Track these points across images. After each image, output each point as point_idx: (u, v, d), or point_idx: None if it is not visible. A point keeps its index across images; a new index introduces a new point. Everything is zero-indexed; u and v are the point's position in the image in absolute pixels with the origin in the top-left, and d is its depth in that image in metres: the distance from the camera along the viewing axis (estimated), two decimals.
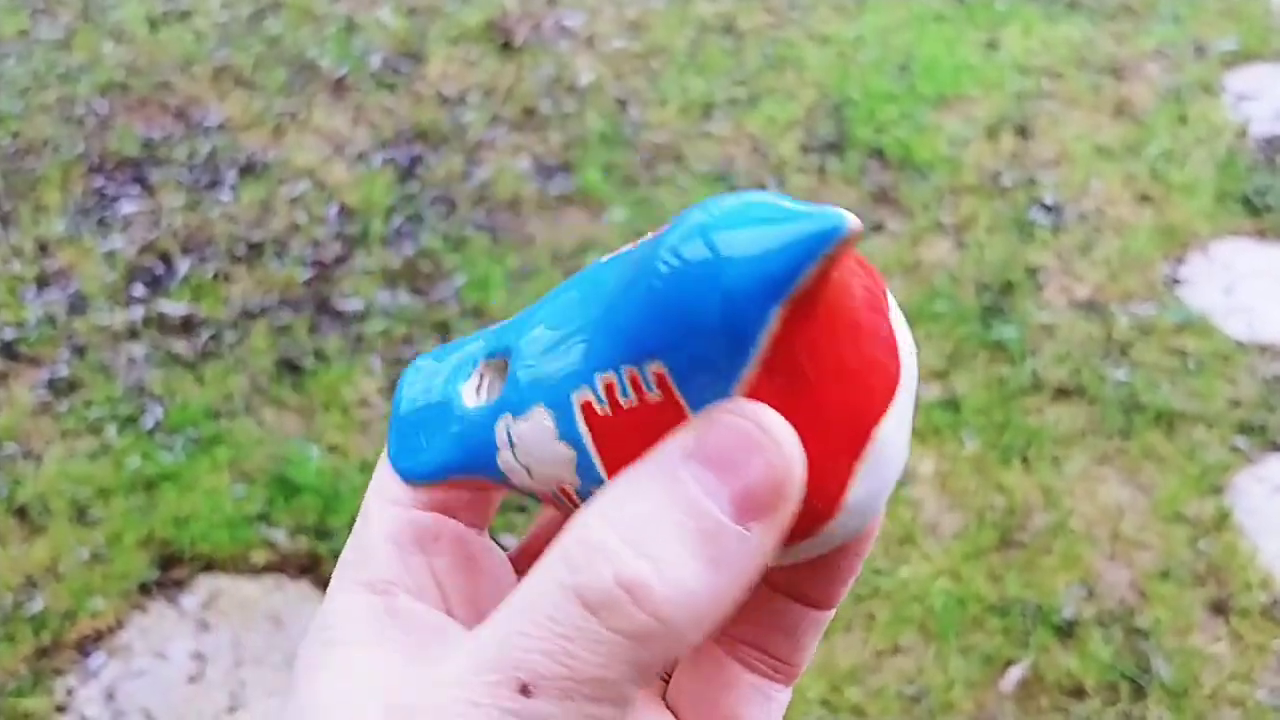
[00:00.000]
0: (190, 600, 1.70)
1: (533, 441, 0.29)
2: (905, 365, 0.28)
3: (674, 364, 0.26)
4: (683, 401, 0.26)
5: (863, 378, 0.27)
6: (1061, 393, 1.98)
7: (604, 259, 0.30)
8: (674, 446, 0.26)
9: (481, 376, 0.31)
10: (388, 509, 0.32)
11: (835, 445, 0.27)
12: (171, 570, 1.74)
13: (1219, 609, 1.67)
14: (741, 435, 0.25)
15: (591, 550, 0.25)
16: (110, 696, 1.58)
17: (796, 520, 0.26)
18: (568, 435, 0.28)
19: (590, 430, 0.28)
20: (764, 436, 0.25)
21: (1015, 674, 1.59)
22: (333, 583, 0.31)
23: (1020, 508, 1.80)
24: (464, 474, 0.31)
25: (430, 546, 0.31)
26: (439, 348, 0.33)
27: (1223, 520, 1.77)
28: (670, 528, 0.25)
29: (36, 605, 1.67)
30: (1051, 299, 2.17)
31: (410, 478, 0.32)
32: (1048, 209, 2.38)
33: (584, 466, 0.28)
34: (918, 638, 1.64)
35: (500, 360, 0.31)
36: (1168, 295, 2.18)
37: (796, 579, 0.32)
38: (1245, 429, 1.91)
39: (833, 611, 0.34)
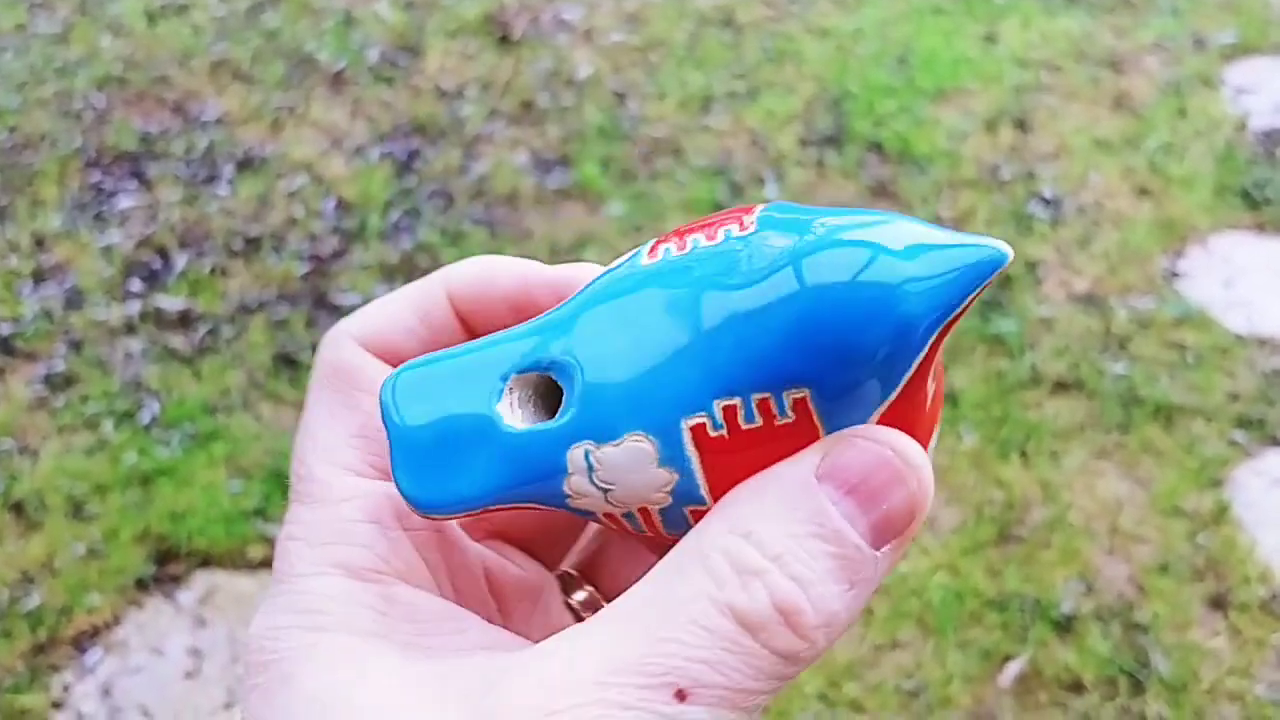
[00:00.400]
0: (187, 596, 1.70)
1: (624, 467, 0.27)
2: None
3: (821, 391, 0.26)
4: (819, 425, 0.26)
5: (939, 401, 0.28)
6: (1060, 386, 1.98)
7: (646, 263, 0.28)
8: (806, 467, 0.26)
9: (511, 391, 0.29)
10: (352, 481, 0.30)
11: None
12: (168, 566, 1.74)
13: (1218, 603, 1.67)
14: (884, 464, 0.26)
15: (742, 569, 0.25)
16: (107, 692, 1.58)
17: None
18: (672, 460, 0.27)
19: (699, 453, 0.27)
20: (905, 467, 0.26)
21: (1014, 668, 1.59)
22: (294, 558, 0.29)
23: (1019, 502, 1.79)
24: (511, 502, 0.29)
25: (407, 521, 0.30)
26: (424, 356, 0.30)
27: (1221, 514, 1.77)
28: (815, 552, 0.26)
29: (33, 601, 1.67)
30: (1050, 292, 2.16)
31: (437, 509, 0.29)
32: (1046, 202, 2.38)
33: (684, 489, 0.27)
34: (916, 632, 1.63)
35: (535, 375, 0.29)
36: (1166, 289, 2.17)
37: None
38: (1244, 423, 1.91)
39: None
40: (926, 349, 0.25)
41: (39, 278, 2.22)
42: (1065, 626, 1.64)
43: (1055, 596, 1.66)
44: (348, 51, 2.86)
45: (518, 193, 2.43)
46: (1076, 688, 1.57)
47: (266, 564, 1.74)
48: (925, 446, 0.27)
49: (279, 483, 1.82)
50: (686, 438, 0.26)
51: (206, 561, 1.74)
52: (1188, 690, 1.56)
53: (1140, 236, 2.28)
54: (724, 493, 0.27)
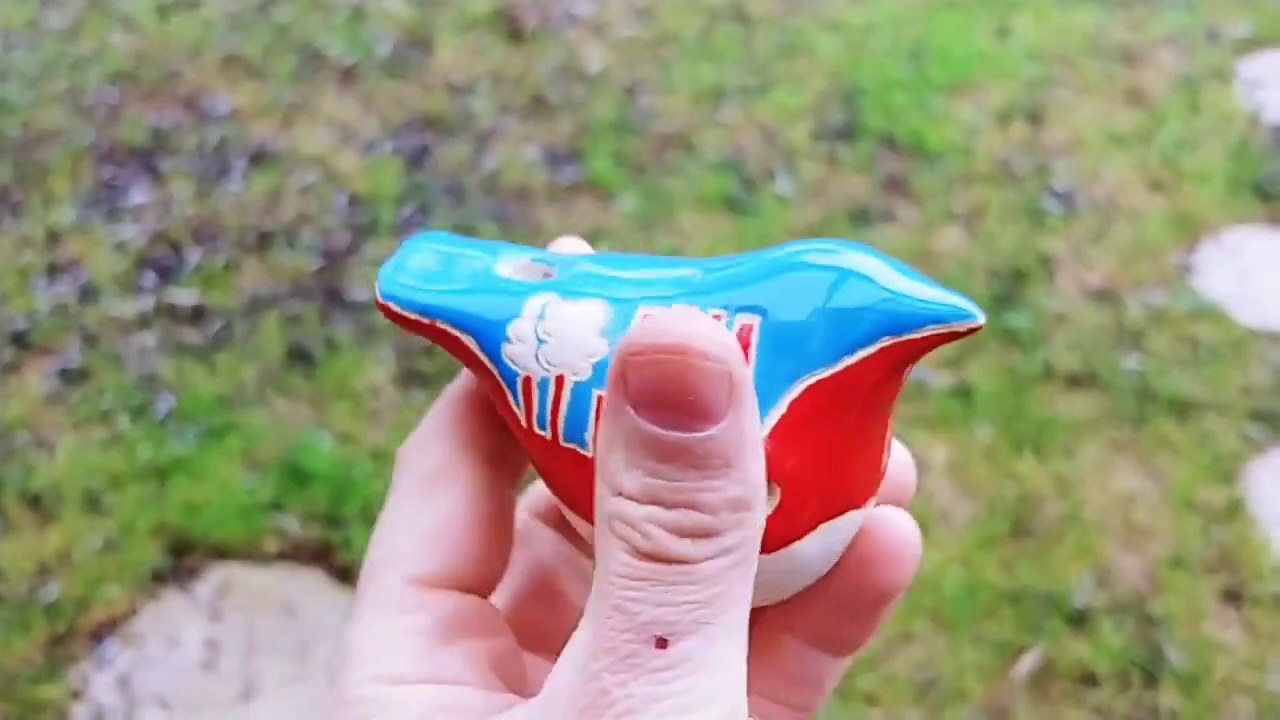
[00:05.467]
0: (203, 588, 1.71)
1: (571, 321, 0.29)
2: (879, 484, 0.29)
3: (768, 323, 0.26)
4: (752, 360, 0.26)
5: (869, 461, 0.28)
6: (1074, 381, 1.98)
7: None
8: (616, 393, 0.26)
9: (517, 270, 0.31)
10: (413, 593, 0.31)
11: (823, 494, 0.27)
12: (184, 558, 1.74)
13: (1232, 597, 1.67)
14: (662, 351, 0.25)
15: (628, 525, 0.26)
16: (124, 684, 1.59)
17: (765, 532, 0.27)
18: (612, 335, 0.28)
19: None
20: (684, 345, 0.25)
21: (1027, 662, 1.59)
22: (348, 664, 0.30)
23: (1032, 496, 1.79)
24: (450, 324, 0.30)
25: (461, 632, 0.31)
26: (449, 233, 0.33)
27: (1235, 508, 1.77)
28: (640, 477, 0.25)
29: (50, 594, 1.68)
30: (1063, 287, 2.16)
31: (394, 300, 0.31)
32: (1059, 196, 2.38)
33: (605, 366, 0.28)
34: (929, 626, 1.64)
35: (542, 267, 0.31)
36: (1180, 283, 2.17)
37: (830, 623, 0.32)
38: (1258, 417, 1.91)
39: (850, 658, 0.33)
40: (871, 351, 0.26)
41: (52, 272, 2.22)
42: (1079, 620, 1.64)
43: (1069, 590, 1.67)
44: (358, 46, 2.87)
45: (529, 187, 2.43)
46: (1090, 681, 1.57)
47: (282, 556, 1.74)
48: (836, 479, 0.27)
49: (293, 476, 1.83)
50: (636, 318, 0.28)
51: (222, 554, 1.74)
52: (1201, 683, 1.56)
53: (1154, 231, 2.28)
54: None
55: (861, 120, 2.59)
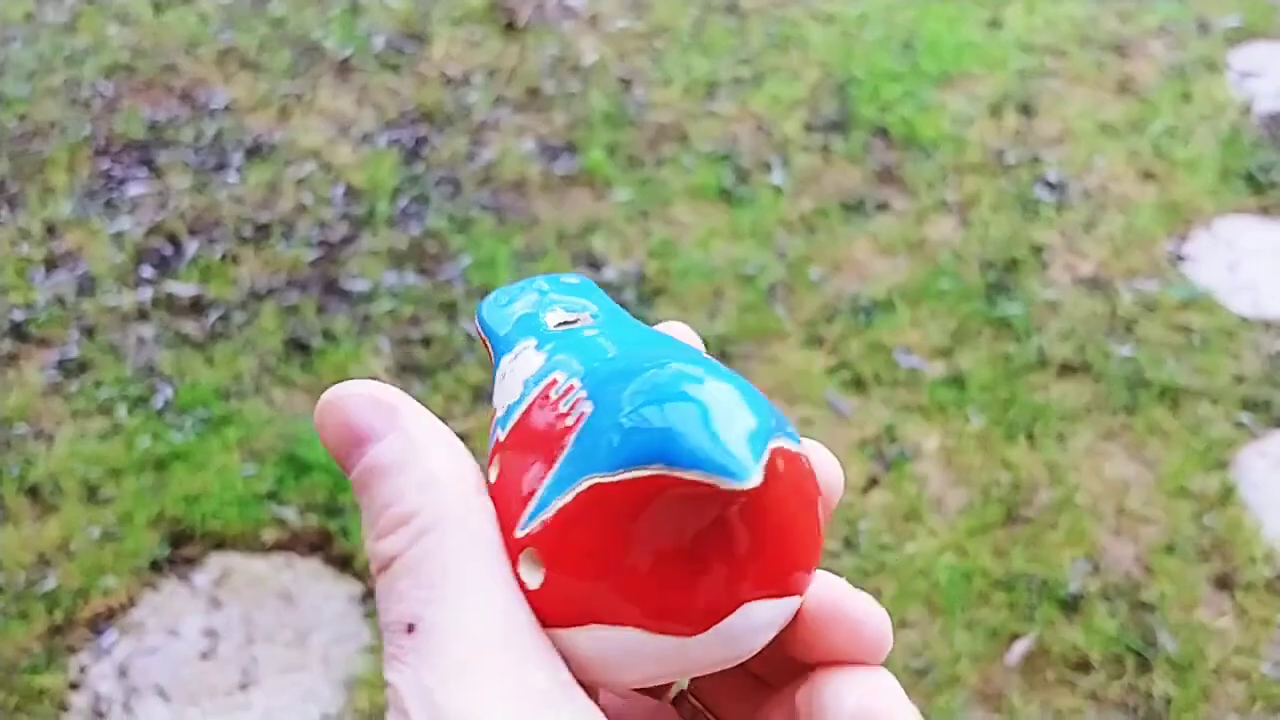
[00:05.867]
0: (202, 578, 1.71)
1: (519, 368, 0.32)
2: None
3: (590, 419, 0.28)
4: (568, 444, 0.28)
5: (671, 586, 0.28)
6: (1066, 369, 1.99)
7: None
8: None
9: (552, 317, 0.35)
10: None
11: (595, 595, 0.28)
12: (183, 548, 1.75)
13: (1224, 583, 1.68)
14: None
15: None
16: (123, 673, 1.60)
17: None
18: (531, 384, 0.31)
19: (527, 406, 0.30)
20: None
21: (1021, 647, 1.60)
22: None
23: (1026, 483, 1.80)
24: (489, 341, 0.35)
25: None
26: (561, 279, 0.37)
27: (1227, 495, 1.78)
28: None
29: (49, 583, 1.69)
30: (1056, 276, 2.17)
31: (479, 315, 0.36)
32: (1052, 186, 2.39)
33: (507, 416, 0.31)
34: (924, 612, 1.65)
35: (574, 314, 0.35)
36: (1172, 272, 2.18)
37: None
38: (1250, 405, 1.92)
39: None
40: (645, 471, 0.26)
41: (51, 265, 2.23)
42: (1072, 606, 1.65)
43: (1062, 576, 1.68)
44: (354, 39, 2.87)
45: (525, 179, 2.44)
46: (1084, 666, 1.59)
47: (280, 546, 1.75)
48: (667, 620, 0.28)
49: (291, 466, 1.83)
50: (540, 389, 0.30)
51: (221, 544, 1.75)
52: (1194, 669, 1.57)
53: (1145, 220, 2.29)
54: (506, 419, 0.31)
55: (854, 111, 2.60)
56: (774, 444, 0.26)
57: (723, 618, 0.28)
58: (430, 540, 0.28)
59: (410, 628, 0.27)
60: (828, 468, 0.32)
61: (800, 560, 0.29)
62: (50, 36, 2.88)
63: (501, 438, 0.30)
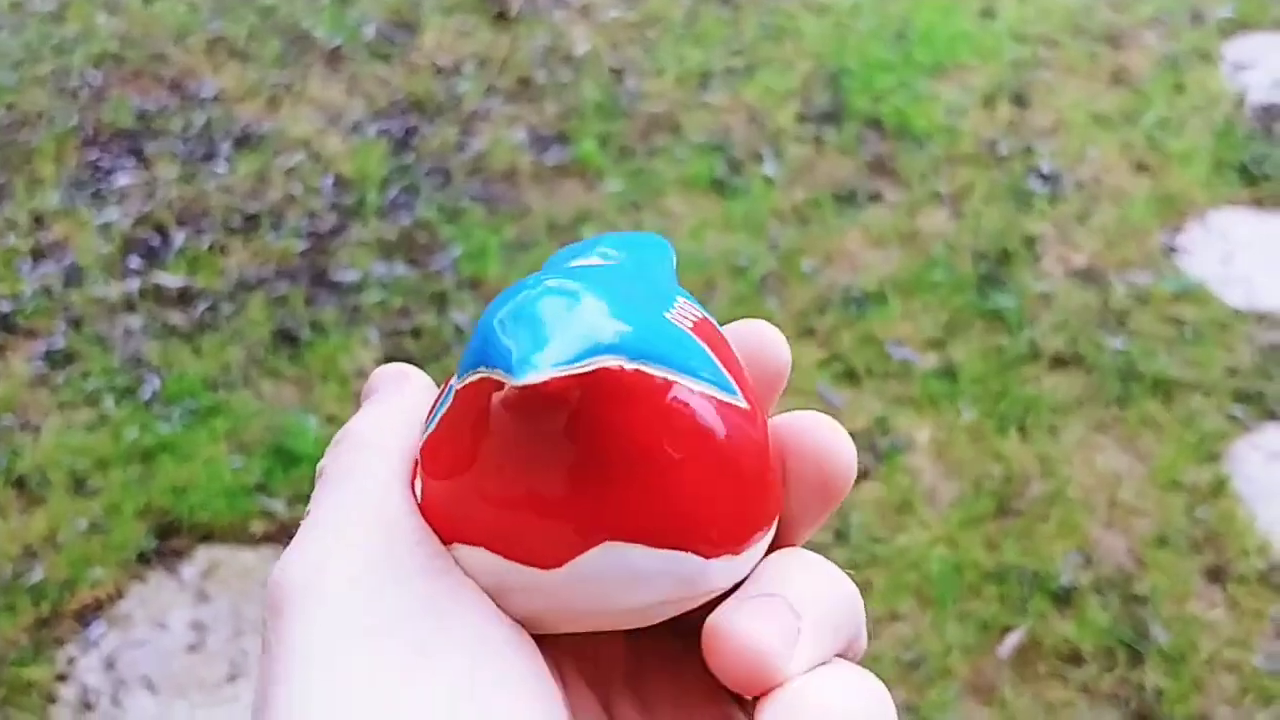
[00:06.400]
0: (189, 570, 1.71)
1: None
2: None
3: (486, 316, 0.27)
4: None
5: (528, 510, 0.26)
6: (1059, 361, 1.99)
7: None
8: None
9: None
10: None
11: (460, 511, 0.27)
12: (170, 540, 1.74)
13: (1216, 576, 1.68)
14: None
15: None
16: (110, 666, 1.59)
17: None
18: None
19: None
20: None
21: (1013, 640, 1.60)
22: None
23: (1018, 475, 1.80)
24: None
25: None
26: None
27: (1220, 488, 1.78)
28: None
29: (36, 575, 1.68)
30: (1049, 268, 2.17)
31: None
32: (1045, 178, 2.38)
33: None
34: (915, 604, 1.64)
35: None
36: (1165, 264, 2.18)
37: None
38: (1242, 397, 1.92)
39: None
40: (472, 376, 0.26)
41: (38, 255, 2.22)
42: (1064, 598, 1.65)
43: (1054, 569, 1.67)
44: (344, 28, 2.86)
45: (516, 169, 2.43)
46: (1075, 659, 1.58)
47: (268, 538, 1.74)
48: (523, 548, 0.27)
49: (280, 457, 1.83)
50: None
51: (208, 536, 1.74)
52: (1186, 661, 1.57)
53: (1138, 212, 2.28)
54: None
55: (847, 102, 2.59)
56: (613, 360, 0.25)
57: (578, 553, 0.26)
58: (342, 459, 0.29)
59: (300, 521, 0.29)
60: (767, 346, 0.31)
61: (700, 516, 0.26)
62: (38, 25, 2.87)
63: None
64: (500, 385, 0.25)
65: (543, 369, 0.24)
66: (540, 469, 0.26)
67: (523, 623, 0.28)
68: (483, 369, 0.25)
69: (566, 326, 0.25)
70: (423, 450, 0.28)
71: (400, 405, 0.31)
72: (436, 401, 0.29)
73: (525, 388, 0.24)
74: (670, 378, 0.26)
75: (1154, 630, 1.60)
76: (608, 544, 0.26)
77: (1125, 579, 1.67)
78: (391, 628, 0.26)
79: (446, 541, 0.28)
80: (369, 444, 0.30)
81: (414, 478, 0.29)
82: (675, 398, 0.26)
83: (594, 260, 0.33)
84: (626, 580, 0.26)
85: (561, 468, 0.26)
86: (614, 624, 0.28)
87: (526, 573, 0.27)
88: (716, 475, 0.27)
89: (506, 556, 0.27)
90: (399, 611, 0.26)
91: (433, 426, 0.28)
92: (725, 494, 0.27)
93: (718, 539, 0.27)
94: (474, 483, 0.27)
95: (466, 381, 0.26)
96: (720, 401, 0.27)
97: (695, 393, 0.26)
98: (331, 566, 0.27)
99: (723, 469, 0.27)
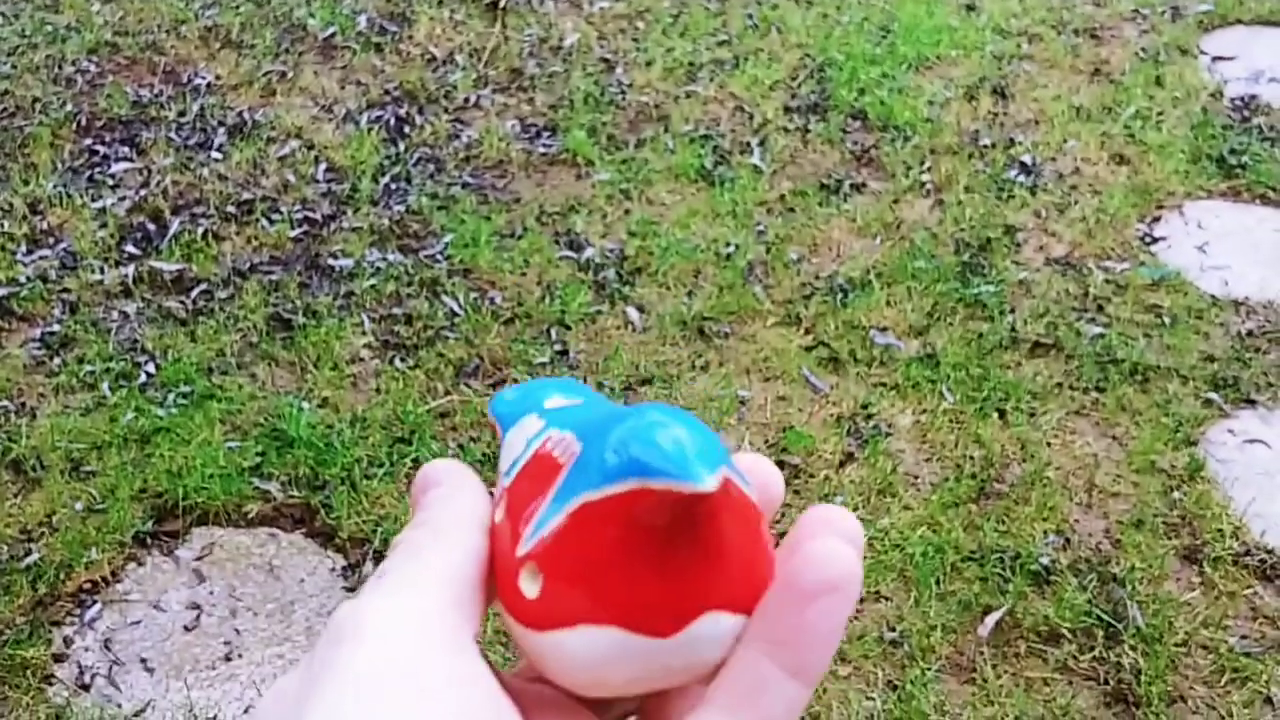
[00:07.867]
0: (186, 551, 1.73)
1: (521, 433, 0.37)
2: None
3: (582, 453, 0.32)
4: (561, 476, 0.33)
5: (653, 591, 0.32)
6: (1038, 348, 2.02)
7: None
8: None
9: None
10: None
11: (586, 599, 0.32)
12: (167, 522, 1.77)
13: (1192, 557, 1.71)
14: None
15: None
16: (107, 646, 1.61)
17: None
18: (530, 442, 0.36)
19: (529, 457, 0.35)
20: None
21: (993, 619, 1.63)
22: None
23: (997, 459, 1.83)
24: (496, 420, 0.40)
25: None
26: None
27: (1196, 471, 1.81)
28: None
29: (33, 557, 1.70)
30: (1029, 257, 2.20)
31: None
32: (1026, 169, 2.42)
33: (511, 467, 0.36)
34: (898, 584, 1.67)
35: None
36: (1143, 253, 2.21)
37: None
38: (1218, 383, 1.95)
39: None
40: (625, 485, 0.30)
41: (34, 242, 2.24)
42: (1043, 579, 1.68)
43: (1033, 550, 1.70)
44: (338, 18, 2.88)
45: (507, 159, 2.45)
46: (1054, 638, 1.61)
47: (263, 520, 1.77)
48: (652, 622, 0.32)
49: (274, 441, 1.85)
50: (542, 437, 0.36)
51: (204, 518, 1.77)
52: (1162, 641, 1.60)
53: (1117, 202, 2.32)
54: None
55: (832, 94, 2.63)
56: (726, 471, 0.30)
57: (690, 621, 0.32)
58: (419, 541, 0.35)
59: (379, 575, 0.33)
60: (770, 478, 0.36)
61: (753, 579, 0.32)
62: (33, 14, 2.89)
63: (506, 484, 0.35)
64: (650, 494, 0.30)
65: (711, 477, 0.30)
66: (674, 556, 0.31)
67: (619, 686, 0.33)
68: (636, 480, 0.30)
69: (693, 445, 0.31)
70: (538, 558, 0.33)
71: (468, 505, 0.36)
72: (525, 510, 0.34)
73: (700, 495, 0.30)
74: (738, 483, 0.32)
75: (1131, 610, 1.63)
76: (709, 613, 0.32)
77: (1103, 560, 1.70)
78: (420, 671, 0.31)
79: (558, 626, 0.32)
80: (443, 534, 0.35)
81: (515, 578, 0.34)
82: (744, 496, 0.32)
83: (574, 400, 0.40)
84: (715, 641, 0.32)
85: (688, 554, 0.31)
86: (687, 679, 0.33)
87: (648, 643, 0.32)
88: (759, 549, 0.33)
89: (633, 630, 0.32)
90: (430, 665, 0.32)
91: (543, 534, 0.33)
92: (764, 564, 0.33)
93: (756, 600, 0.33)
94: (610, 574, 0.32)
95: (610, 492, 0.31)
96: (749, 499, 0.33)
97: (744, 493, 0.32)
98: (394, 619, 0.32)
99: (759, 543, 0.33)
